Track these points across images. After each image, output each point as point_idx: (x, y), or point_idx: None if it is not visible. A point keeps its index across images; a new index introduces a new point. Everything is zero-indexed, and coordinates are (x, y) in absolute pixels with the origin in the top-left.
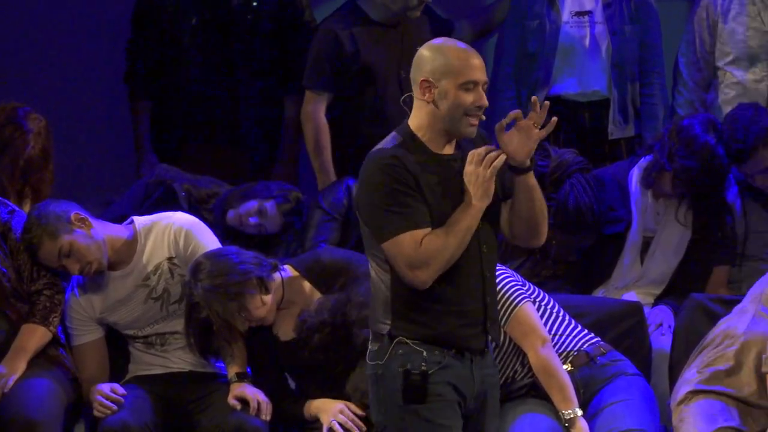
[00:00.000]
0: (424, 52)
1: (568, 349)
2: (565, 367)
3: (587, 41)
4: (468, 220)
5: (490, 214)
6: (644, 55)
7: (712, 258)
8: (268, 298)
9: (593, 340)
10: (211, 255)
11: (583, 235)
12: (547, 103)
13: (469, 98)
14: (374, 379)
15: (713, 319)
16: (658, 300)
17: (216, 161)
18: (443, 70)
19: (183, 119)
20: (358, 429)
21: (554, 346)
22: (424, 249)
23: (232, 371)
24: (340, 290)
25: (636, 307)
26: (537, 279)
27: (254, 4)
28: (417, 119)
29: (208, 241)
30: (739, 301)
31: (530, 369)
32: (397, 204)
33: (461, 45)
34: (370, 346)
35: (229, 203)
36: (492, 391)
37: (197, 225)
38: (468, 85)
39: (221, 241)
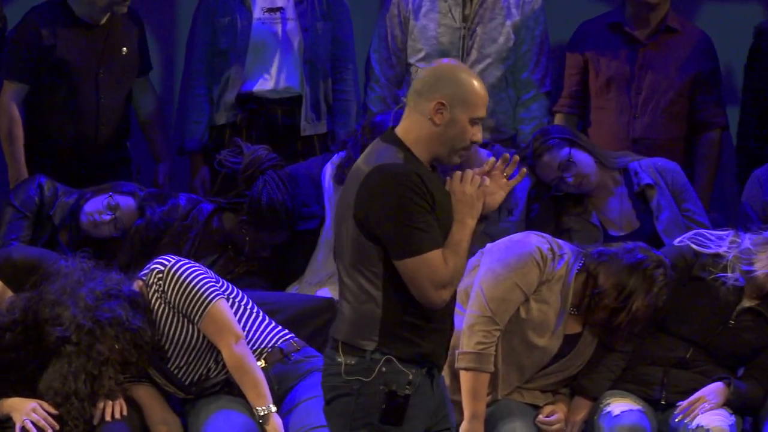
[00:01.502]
0: (444, 72)
1: (262, 345)
2: (259, 363)
3: (279, 38)
4: (468, 238)
5: None
6: (336, 51)
7: None
8: None
9: (287, 337)
10: None
11: (276, 232)
12: (517, 157)
13: (472, 132)
14: (345, 392)
15: None
16: None
17: None
18: (462, 99)
19: None
20: (51, 428)
21: (248, 342)
22: (451, 268)
23: None
24: (32, 288)
25: (330, 303)
26: (231, 276)
27: None
28: (413, 134)
29: None
30: None
31: (224, 366)
32: (422, 222)
33: (478, 78)
34: (341, 359)
35: None
36: (446, 405)
37: None
38: (476, 120)
39: None
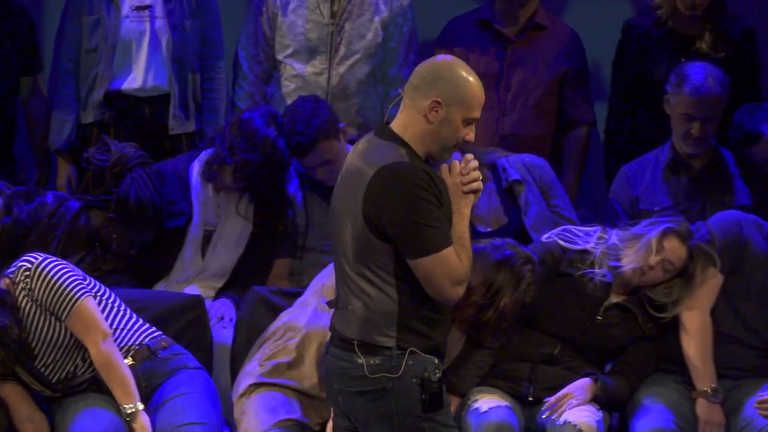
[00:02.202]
0: (444, 70)
1: (130, 343)
2: (126, 361)
3: (147, 36)
4: (467, 229)
5: None
6: (205, 49)
7: (273, 251)
8: None
9: (155, 334)
10: None
11: (144, 229)
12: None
13: (465, 132)
14: (380, 393)
15: (275, 311)
16: (220, 293)
17: None
18: (458, 99)
19: None
20: None
21: (116, 340)
22: (465, 263)
23: None
24: None
25: (197, 301)
26: (98, 273)
27: None
28: (410, 131)
29: None
30: (300, 294)
31: (92, 364)
32: (435, 220)
33: (476, 77)
34: (362, 361)
35: None
36: None
37: None
38: (470, 121)
39: None
